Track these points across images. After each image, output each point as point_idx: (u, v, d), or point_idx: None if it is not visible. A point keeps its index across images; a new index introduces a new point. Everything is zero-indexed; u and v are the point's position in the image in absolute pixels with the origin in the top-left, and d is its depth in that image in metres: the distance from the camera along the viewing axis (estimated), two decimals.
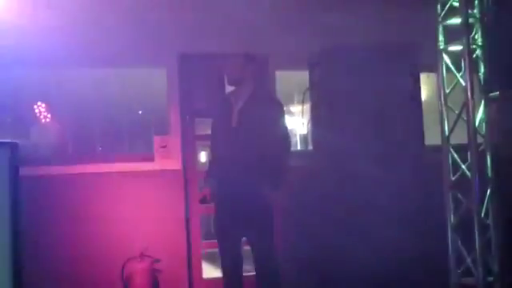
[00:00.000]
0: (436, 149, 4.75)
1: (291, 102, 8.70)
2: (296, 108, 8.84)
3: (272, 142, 4.21)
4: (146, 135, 7.86)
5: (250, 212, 4.16)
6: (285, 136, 4.35)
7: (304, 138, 8.97)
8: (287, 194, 4.32)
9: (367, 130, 5.37)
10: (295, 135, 9.16)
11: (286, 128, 4.43)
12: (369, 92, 5.38)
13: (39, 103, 6.45)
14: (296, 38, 5.47)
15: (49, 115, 6.67)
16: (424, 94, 6.16)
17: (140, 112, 8.29)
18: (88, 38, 5.15)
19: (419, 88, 5.63)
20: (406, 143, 5.41)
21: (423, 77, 5.81)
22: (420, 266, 4.91)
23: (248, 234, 4.29)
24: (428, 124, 5.52)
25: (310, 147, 6.17)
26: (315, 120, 5.81)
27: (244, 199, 4.15)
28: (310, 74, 5.71)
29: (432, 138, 5.33)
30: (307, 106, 5.90)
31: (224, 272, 4.38)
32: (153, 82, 5.79)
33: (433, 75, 5.38)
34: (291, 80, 6.32)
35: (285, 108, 7.78)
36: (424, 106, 5.64)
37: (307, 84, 5.70)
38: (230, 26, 5.48)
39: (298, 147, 8.66)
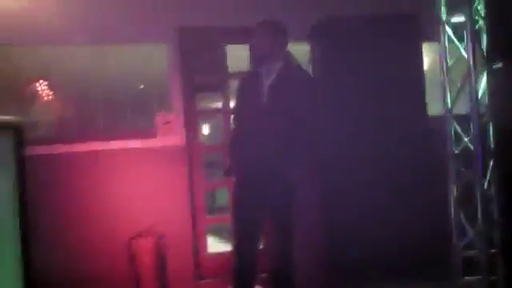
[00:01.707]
0: (439, 119, 4.74)
1: None
2: None
3: (304, 120, 4.05)
4: (148, 110, 7.88)
5: (277, 195, 4.03)
6: (314, 114, 4.16)
7: None
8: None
9: (369, 102, 5.41)
10: None
11: (317, 105, 4.24)
12: (369, 64, 5.41)
13: (41, 81, 6.43)
14: (294, 9, 5.42)
15: (51, 92, 6.67)
16: (427, 64, 6.15)
17: (142, 86, 8.27)
18: (87, 14, 5.14)
19: (421, 58, 5.65)
20: (409, 114, 5.46)
21: (425, 46, 5.81)
22: (424, 236, 4.99)
23: (271, 216, 4.14)
24: (432, 94, 5.53)
25: None
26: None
27: (271, 180, 4.01)
28: (310, 47, 5.71)
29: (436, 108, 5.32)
30: None
31: (238, 259, 4.16)
32: (153, 56, 5.76)
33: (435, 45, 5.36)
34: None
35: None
36: (427, 75, 5.65)
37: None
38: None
39: None
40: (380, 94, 5.47)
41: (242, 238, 4.13)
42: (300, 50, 5.91)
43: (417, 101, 5.60)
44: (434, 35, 4.68)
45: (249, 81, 4.35)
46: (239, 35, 5.37)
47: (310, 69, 5.79)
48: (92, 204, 5.11)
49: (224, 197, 5.83)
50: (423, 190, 5.14)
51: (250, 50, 4.43)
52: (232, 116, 4.60)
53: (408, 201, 5.09)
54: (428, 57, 6.16)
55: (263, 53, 4.19)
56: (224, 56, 5.63)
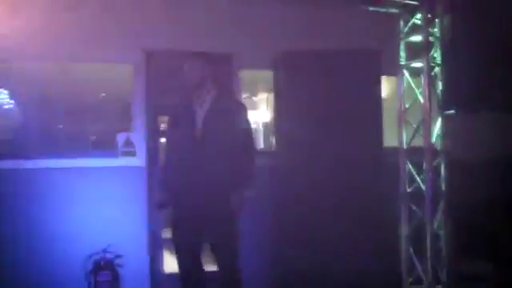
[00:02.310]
0: (394, 151, 4.93)
1: (255, 90, 8.78)
2: (259, 97, 8.98)
3: (237, 148, 4.21)
4: (108, 119, 7.89)
5: (215, 219, 4.17)
6: (250, 143, 4.37)
7: (266, 126, 9.16)
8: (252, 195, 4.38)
9: (327, 133, 5.56)
10: (258, 124, 9.29)
11: (251, 134, 4.44)
12: (330, 95, 5.55)
13: (1, 90, 6.40)
14: (258, 39, 5.55)
15: (12, 101, 6.63)
16: (385, 93, 6.36)
17: (103, 95, 8.27)
18: (53, 31, 5.15)
19: (380, 92, 5.84)
20: (366, 145, 5.62)
21: (385, 79, 6.02)
22: (375, 265, 5.18)
23: (211, 240, 4.30)
24: (389, 121, 5.70)
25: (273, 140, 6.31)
26: (278, 120, 5.95)
27: (207, 206, 4.14)
28: (274, 76, 5.84)
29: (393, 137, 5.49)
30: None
31: (185, 280, 4.38)
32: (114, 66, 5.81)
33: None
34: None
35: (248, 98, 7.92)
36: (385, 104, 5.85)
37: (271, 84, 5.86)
38: (196, 24, 5.53)
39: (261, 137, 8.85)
40: (338, 125, 5.61)
41: (184, 268, 4.33)
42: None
43: (374, 133, 5.77)
44: (393, 70, 4.86)
45: (182, 112, 4.44)
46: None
47: (272, 97, 5.98)
48: (49, 223, 5.13)
49: None
50: (375, 221, 5.32)
51: (182, 80, 4.49)
52: (164, 148, 4.64)
53: (359, 233, 5.24)
54: (387, 88, 6.39)
55: (194, 83, 4.33)
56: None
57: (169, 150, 4.50)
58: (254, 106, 8.92)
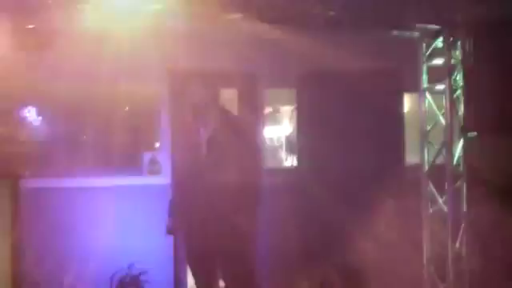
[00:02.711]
0: (416, 167, 4.98)
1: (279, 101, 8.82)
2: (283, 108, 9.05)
3: (245, 169, 4.18)
4: (133, 133, 7.99)
5: (228, 243, 4.16)
6: (258, 162, 4.38)
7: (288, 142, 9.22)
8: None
9: (349, 151, 5.65)
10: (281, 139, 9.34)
11: (258, 149, 4.49)
12: (352, 114, 5.65)
13: (29, 107, 6.54)
14: (281, 60, 5.65)
15: (39, 118, 6.76)
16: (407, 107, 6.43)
17: (127, 108, 8.34)
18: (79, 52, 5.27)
19: (402, 110, 5.91)
20: (388, 162, 5.70)
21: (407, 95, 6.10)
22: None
23: (226, 262, 4.31)
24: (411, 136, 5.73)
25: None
26: (300, 137, 6.05)
27: (220, 229, 4.14)
28: (296, 95, 5.94)
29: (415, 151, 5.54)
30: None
31: None
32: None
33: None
34: None
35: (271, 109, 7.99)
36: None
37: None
38: (221, 45, 5.63)
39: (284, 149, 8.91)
40: (360, 142, 5.70)
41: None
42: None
43: (396, 151, 5.85)
44: (415, 87, 4.93)
45: (187, 135, 4.49)
46: (228, 80, 5.66)
47: (295, 115, 6.09)
48: (77, 240, 5.26)
49: None
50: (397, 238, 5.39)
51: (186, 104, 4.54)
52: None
53: (381, 251, 5.30)
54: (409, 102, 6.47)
55: (197, 109, 4.35)
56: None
57: (176, 172, 4.60)
58: (278, 121, 8.99)
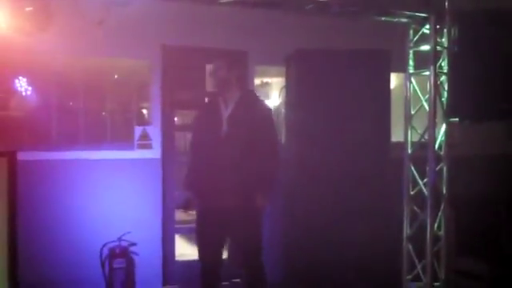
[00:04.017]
0: (401, 145, 5.23)
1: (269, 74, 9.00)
2: (273, 80, 9.23)
3: (261, 149, 4.34)
4: (124, 103, 8.18)
5: (240, 219, 4.34)
6: (274, 142, 4.49)
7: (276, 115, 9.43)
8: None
9: (337, 128, 5.87)
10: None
11: (276, 134, 4.59)
12: (340, 92, 5.86)
13: (20, 77, 6.71)
14: (272, 37, 5.83)
15: (29, 88, 6.92)
16: (394, 89, 6.67)
17: (116, 76, 8.53)
18: (72, 28, 5.41)
19: (388, 90, 6.14)
20: (374, 140, 5.95)
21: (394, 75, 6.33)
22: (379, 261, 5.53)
23: (236, 239, 4.55)
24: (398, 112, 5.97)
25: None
26: (289, 114, 6.27)
27: (232, 206, 4.32)
28: (286, 72, 6.15)
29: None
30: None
31: (203, 276, 4.62)
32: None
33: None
34: None
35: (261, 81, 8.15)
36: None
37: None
38: (212, 21, 5.80)
39: None
40: (348, 120, 5.93)
41: (206, 264, 4.59)
42: None
43: (382, 130, 6.09)
44: (401, 66, 5.16)
45: (207, 111, 4.68)
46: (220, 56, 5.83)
47: (283, 92, 6.30)
48: (67, 212, 5.48)
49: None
50: (380, 216, 5.68)
51: (210, 78, 4.74)
52: (190, 146, 4.84)
53: (364, 226, 5.58)
54: (396, 83, 6.71)
55: (221, 82, 4.52)
56: (203, 75, 6.02)
57: (194, 149, 4.68)
58: (266, 95, 9.19)
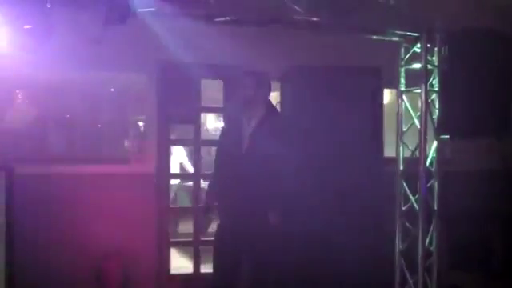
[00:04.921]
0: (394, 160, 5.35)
1: None
2: None
3: (279, 167, 4.50)
4: (120, 115, 8.27)
5: (252, 235, 4.53)
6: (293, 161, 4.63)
7: None
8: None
9: (330, 143, 6.00)
10: None
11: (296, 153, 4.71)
12: (334, 108, 5.98)
13: (17, 91, 6.82)
14: (266, 53, 5.96)
15: (26, 101, 7.02)
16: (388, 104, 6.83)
17: (112, 90, 8.63)
18: (70, 44, 5.52)
19: (381, 106, 6.29)
20: (367, 155, 6.08)
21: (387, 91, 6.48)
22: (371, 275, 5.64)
23: (250, 255, 4.69)
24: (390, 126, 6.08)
25: None
26: None
27: (246, 221, 4.51)
28: (281, 87, 6.28)
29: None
30: None
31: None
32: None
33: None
34: None
35: None
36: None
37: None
38: (207, 38, 5.91)
39: None
40: (342, 136, 6.06)
41: (219, 276, 4.76)
42: None
43: (375, 144, 6.22)
44: (393, 82, 5.29)
45: (231, 126, 4.85)
46: (214, 71, 5.98)
47: (278, 108, 6.42)
48: (62, 226, 5.59)
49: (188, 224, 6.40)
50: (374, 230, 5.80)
51: (239, 96, 4.89)
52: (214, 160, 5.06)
53: (357, 241, 5.69)
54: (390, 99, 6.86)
55: (250, 101, 4.70)
56: (198, 90, 6.15)
57: (217, 161, 4.91)
58: None
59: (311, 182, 5.79)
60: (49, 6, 3.70)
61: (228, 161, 4.73)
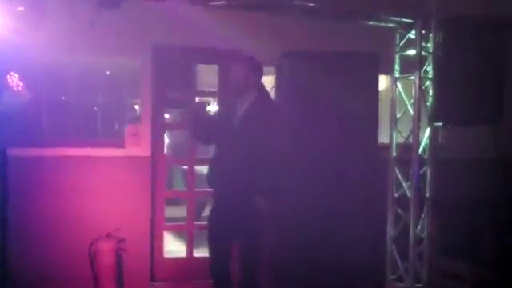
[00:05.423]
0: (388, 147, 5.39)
1: None
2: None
3: (268, 152, 4.50)
4: (116, 99, 8.29)
5: (241, 220, 4.56)
6: (283, 144, 4.66)
7: None
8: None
9: (325, 129, 6.02)
10: None
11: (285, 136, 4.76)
12: (329, 94, 5.99)
13: (12, 73, 6.80)
14: (262, 38, 5.97)
15: (21, 83, 7.00)
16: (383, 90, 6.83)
17: (108, 73, 8.63)
18: (64, 27, 5.53)
19: (376, 92, 6.30)
20: (362, 141, 6.10)
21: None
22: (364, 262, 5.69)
23: (239, 237, 4.73)
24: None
25: None
26: None
27: (235, 206, 4.54)
28: (276, 73, 6.29)
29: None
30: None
31: (212, 274, 4.85)
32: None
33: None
34: None
35: None
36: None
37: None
38: (203, 21, 5.91)
39: None
40: (336, 121, 6.08)
41: (214, 258, 4.81)
42: None
43: (370, 131, 6.24)
44: (389, 68, 5.31)
45: (225, 109, 4.93)
46: (209, 56, 6.00)
47: (273, 94, 6.43)
48: (57, 208, 5.61)
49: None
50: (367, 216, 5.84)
51: (230, 81, 4.93)
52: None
53: (350, 227, 5.73)
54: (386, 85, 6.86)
55: (240, 85, 4.72)
56: (194, 74, 6.17)
57: (215, 146, 4.95)
58: None
59: (304, 167, 5.83)
60: None
61: (220, 144, 4.78)
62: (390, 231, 5.10)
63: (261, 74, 4.83)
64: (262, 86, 4.86)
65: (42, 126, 5.98)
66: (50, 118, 5.99)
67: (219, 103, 5.23)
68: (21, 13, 3.95)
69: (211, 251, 4.85)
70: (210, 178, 4.87)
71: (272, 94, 6.60)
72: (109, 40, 5.71)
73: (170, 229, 6.44)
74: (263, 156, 4.49)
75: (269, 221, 4.76)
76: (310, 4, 4.50)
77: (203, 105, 4.84)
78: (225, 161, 4.68)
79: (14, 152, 5.43)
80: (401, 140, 5.04)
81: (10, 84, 7.20)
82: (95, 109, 7.21)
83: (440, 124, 4.85)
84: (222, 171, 4.68)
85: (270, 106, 4.86)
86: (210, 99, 7.72)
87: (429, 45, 4.87)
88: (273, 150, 4.55)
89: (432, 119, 4.83)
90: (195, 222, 6.23)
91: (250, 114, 4.64)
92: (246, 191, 4.53)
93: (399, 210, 5.02)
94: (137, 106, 7.67)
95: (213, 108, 7.84)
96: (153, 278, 6.04)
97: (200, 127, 4.95)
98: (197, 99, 6.33)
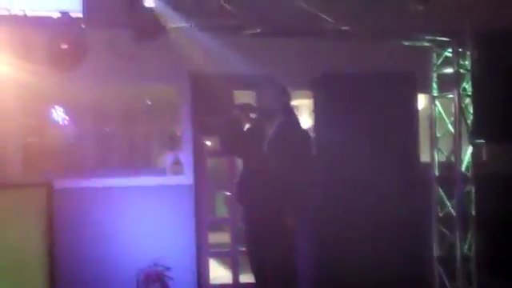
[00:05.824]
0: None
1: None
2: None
3: (297, 173, 4.49)
4: (157, 129, 8.39)
5: (271, 242, 4.54)
6: (310, 166, 4.67)
7: None
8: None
9: (366, 150, 6.01)
10: None
11: (312, 159, 4.81)
12: (368, 115, 6.00)
13: (56, 107, 6.99)
14: (296, 62, 6.03)
15: (66, 117, 7.19)
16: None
17: (149, 102, 8.75)
18: (106, 60, 5.67)
19: (416, 110, 6.27)
20: (404, 160, 6.07)
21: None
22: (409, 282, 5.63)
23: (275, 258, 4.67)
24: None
25: None
26: (318, 136, 6.42)
27: (265, 227, 4.53)
28: (313, 96, 6.34)
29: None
30: None
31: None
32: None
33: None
34: None
35: None
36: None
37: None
38: (238, 49, 6.00)
39: None
40: (377, 142, 6.06)
41: (258, 281, 4.80)
42: None
43: (410, 151, 6.21)
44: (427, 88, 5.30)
45: (253, 132, 4.84)
46: (246, 82, 6.08)
47: (313, 117, 6.48)
48: (104, 238, 5.69)
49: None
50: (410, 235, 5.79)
51: (256, 104, 4.97)
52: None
53: (394, 247, 5.69)
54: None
55: (266, 109, 4.73)
56: (231, 100, 6.25)
57: (242, 168, 5.00)
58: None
59: (345, 192, 5.83)
60: (83, 27, 3.83)
61: (248, 163, 4.83)
62: (436, 251, 5.04)
63: (287, 98, 4.85)
64: (290, 109, 4.89)
65: (87, 158, 6.11)
66: (95, 149, 6.12)
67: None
68: (65, 50, 4.09)
69: (254, 274, 4.83)
70: (240, 196, 4.90)
71: (312, 118, 6.69)
72: (148, 70, 5.84)
73: (214, 255, 6.48)
74: (290, 179, 4.48)
75: (305, 240, 4.75)
76: (344, 28, 4.54)
77: (239, 117, 4.85)
78: (255, 179, 4.68)
79: (59, 184, 5.56)
80: (442, 158, 5.00)
81: (56, 118, 7.44)
82: (136, 139, 7.34)
83: (482, 141, 4.80)
84: (253, 190, 4.69)
85: (296, 131, 4.81)
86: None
87: (466, 62, 4.85)
88: (302, 175, 4.54)
89: (473, 136, 4.80)
90: (239, 248, 6.26)
91: (276, 137, 4.66)
92: (277, 211, 4.52)
93: (444, 230, 4.96)
94: (177, 135, 7.76)
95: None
96: None
97: (229, 138, 5.00)
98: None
